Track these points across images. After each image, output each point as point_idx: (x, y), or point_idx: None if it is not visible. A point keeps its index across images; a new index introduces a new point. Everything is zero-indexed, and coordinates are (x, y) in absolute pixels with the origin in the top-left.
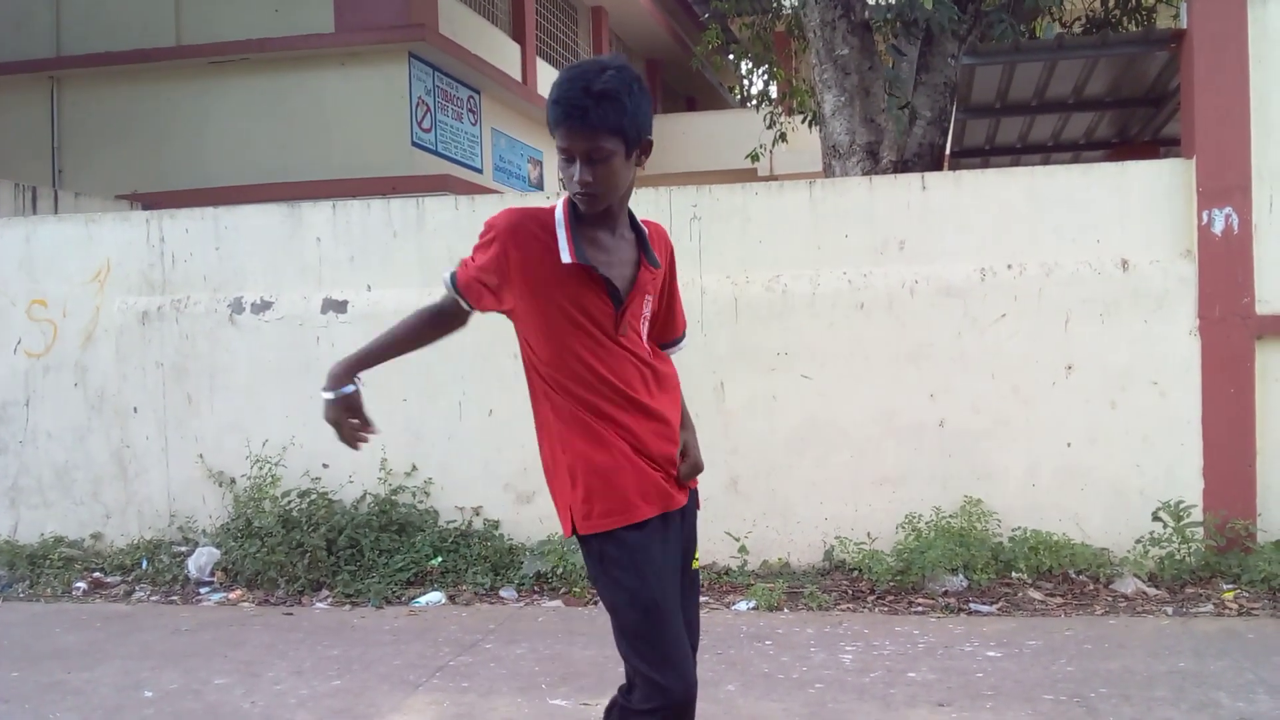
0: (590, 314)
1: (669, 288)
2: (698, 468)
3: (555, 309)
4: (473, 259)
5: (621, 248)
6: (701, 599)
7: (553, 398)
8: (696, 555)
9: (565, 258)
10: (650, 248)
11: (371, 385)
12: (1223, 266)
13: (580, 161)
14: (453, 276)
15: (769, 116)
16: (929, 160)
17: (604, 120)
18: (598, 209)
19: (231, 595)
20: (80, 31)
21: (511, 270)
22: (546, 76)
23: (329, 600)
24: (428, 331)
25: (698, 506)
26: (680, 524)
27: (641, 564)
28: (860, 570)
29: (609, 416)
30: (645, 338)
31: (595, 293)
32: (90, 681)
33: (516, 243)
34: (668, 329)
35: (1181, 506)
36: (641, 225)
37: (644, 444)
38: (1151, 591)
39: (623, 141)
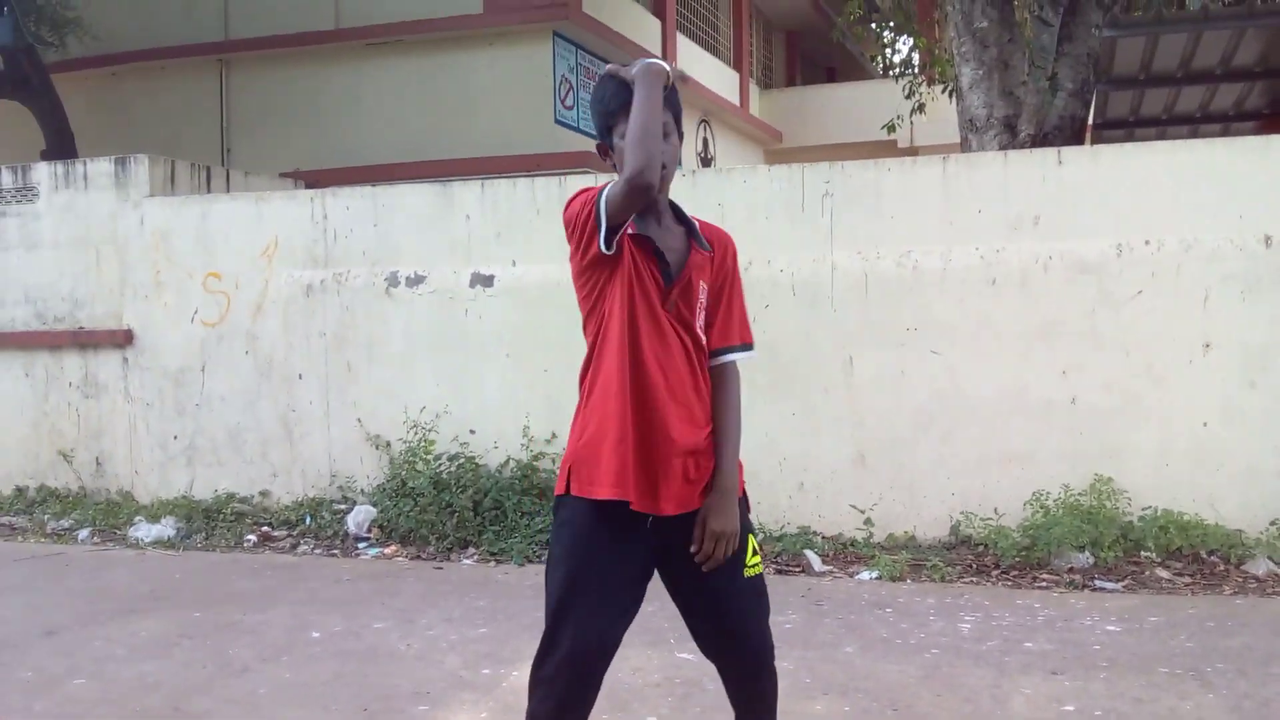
0: (644, 284)
1: (728, 289)
2: (721, 534)
3: (623, 269)
4: (579, 208)
5: (669, 236)
6: (826, 568)
7: (602, 358)
8: (755, 561)
9: (629, 229)
10: (700, 236)
11: (515, 356)
12: None
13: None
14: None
15: (908, 87)
16: (1069, 133)
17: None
18: (666, 187)
19: (387, 550)
20: (246, 16)
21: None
22: (687, 52)
23: (475, 557)
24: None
25: (748, 509)
26: (666, 536)
27: (581, 541)
28: (986, 545)
29: (633, 394)
30: (702, 327)
31: (652, 265)
32: (263, 623)
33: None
34: (725, 331)
35: None
36: (692, 220)
37: (663, 425)
38: None
39: (675, 124)
